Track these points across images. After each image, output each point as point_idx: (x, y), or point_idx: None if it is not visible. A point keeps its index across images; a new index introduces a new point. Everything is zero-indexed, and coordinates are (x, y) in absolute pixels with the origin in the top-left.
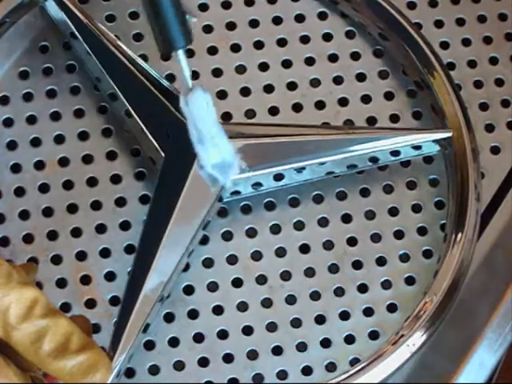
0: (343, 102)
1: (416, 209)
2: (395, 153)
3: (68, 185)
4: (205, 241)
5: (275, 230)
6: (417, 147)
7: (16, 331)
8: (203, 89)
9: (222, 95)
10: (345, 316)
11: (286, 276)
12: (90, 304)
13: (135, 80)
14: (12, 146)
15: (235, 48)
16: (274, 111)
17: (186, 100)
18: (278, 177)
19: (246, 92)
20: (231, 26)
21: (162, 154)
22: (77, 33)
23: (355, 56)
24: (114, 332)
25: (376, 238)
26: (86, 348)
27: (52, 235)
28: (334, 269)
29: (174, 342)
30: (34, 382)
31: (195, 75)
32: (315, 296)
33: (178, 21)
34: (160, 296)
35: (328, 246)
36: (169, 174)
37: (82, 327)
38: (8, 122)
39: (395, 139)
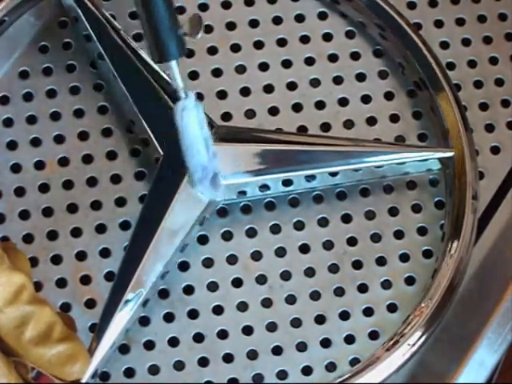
0: (343, 102)
1: (416, 209)
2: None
3: (68, 185)
4: (205, 241)
5: (275, 229)
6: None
7: (1, 314)
8: (196, 99)
9: (221, 95)
10: (345, 316)
11: (286, 276)
12: (90, 304)
13: (137, 70)
14: (12, 145)
15: (235, 48)
16: (273, 111)
17: (179, 110)
18: (287, 182)
19: (245, 92)
20: (231, 26)
21: (162, 153)
22: (90, 29)
23: (355, 56)
24: (96, 332)
25: (376, 237)
26: (67, 339)
27: (52, 235)
28: (334, 269)
29: (173, 342)
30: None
31: (195, 75)
32: (315, 296)
33: (172, 31)
34: (143, 300)
35: (328, 246)
36: (165, 173)
37: (67, 324)
38: (8, 122)
39: (400, 155)
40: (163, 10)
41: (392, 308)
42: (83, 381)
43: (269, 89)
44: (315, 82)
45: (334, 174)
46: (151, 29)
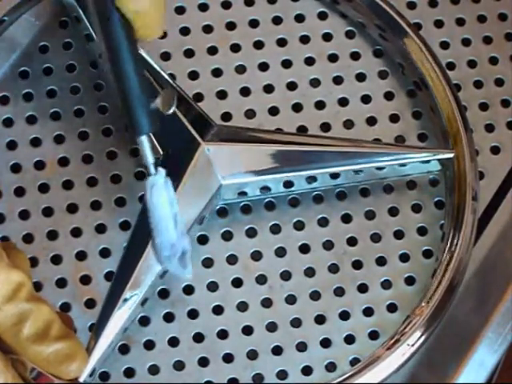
0: (343, 102)
1: (416, 209)
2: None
3: (68, 185)
4: (205, 241)
5: (275, 229)
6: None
7: None
8: (165, 176)
9: (221, 95)
10: (345, 316)
11: (286, 276)
12: (90, 304)
13: None
14: (12, 145)
15: (235, 48)
16: (274, 111)
17: (148, 186)
18: (288, 183)
19: (246, 92)
20: (231, 26)
21: (162, 153)
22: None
23: (355, 56)
24: (94, 331)
25: (376, 237)
26: (64, 337)
27: (52, 235)
28: (333, 269)
29: (174, 342)
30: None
31: (195, 75)
32: (315, 296)
33: (144, 105)
34: (141, 299)
35: (328, 245)
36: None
37: (65, 323)
38: (8, 122)
39: (401, 156)
40: (136, 85)
41: (392, 308)
42: (81, 379)
43: (269, 89)
44: (315, 82)
45: (335, 176)
46: (123, 103)
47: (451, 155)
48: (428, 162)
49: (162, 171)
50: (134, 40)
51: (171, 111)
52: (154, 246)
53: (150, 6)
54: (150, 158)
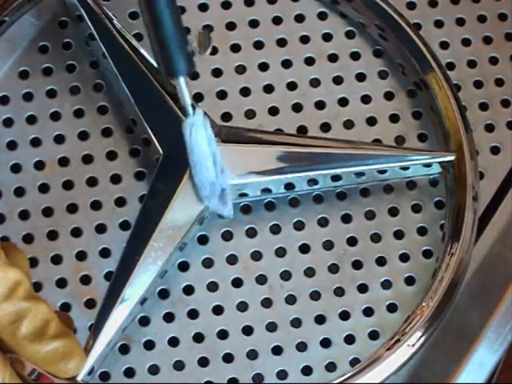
0: (343, 102)
1: (416, 209)
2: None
3: (68, 185)
4: (205, 241)
5: (275, 229)
6: (426, 165)
7: None
8: (204, 115)
9: (222, 95)
10: (345, 316)
11: (286, 276)
12: (90, 304)
13: (138, 69)
14: (12, 146)
15: (235, 48)
16: (273, 111)
17: (187, 126)
18: (289, 185)
19: (245, 92)
20: (231, 26)
21: (162, 153)
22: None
23: (355, 56)
24: (93, 329)
25: (376, 237)
26: (62, 336)
27: (52, 235)
28: (333, 269)
29: (174, 342)
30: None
31: (195, 75)
32: (315, 296)
33: (181, 48)
34: (140, 298)
35: (328, 245)
36: (165, 172)
37: (64, 322)
38: (8, 122)
39: (403, 158)
40: (172, 27)
41: (392, 308)
42: (79, 378)
43: (269, 89)
44: (315, 82)
45: (336, 178)
46: (160, 45)
47: (452, 158)
48: (429, 165)
49: (200, 112)
50: None
51: (208, 53)
52: (193, 184)
53: None
54: (187, 99)
